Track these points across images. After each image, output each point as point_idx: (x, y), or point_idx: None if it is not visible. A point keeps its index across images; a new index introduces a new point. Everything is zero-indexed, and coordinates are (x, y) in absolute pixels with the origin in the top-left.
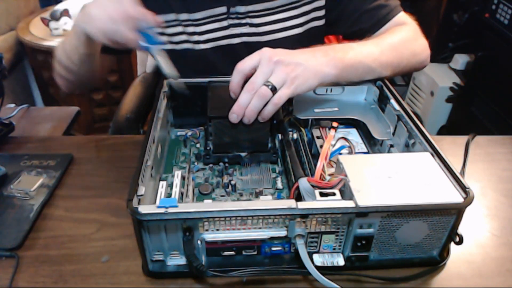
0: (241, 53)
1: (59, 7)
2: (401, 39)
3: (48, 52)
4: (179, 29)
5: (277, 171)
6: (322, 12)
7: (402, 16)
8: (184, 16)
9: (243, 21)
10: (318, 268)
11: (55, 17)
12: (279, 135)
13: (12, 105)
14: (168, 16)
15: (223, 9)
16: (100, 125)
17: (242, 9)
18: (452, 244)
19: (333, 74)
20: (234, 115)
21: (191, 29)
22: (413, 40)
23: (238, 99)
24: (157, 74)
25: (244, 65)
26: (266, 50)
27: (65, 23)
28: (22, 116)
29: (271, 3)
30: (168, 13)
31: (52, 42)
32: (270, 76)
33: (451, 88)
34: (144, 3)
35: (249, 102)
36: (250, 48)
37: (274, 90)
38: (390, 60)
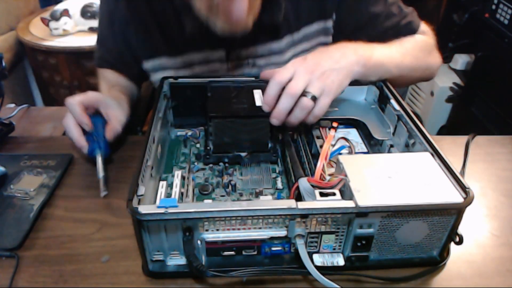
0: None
1: (59, 7)
2: (420, 49)
3: (48, 52)
4: (170, 72)
5: (277, 171)
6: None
7: (422, 26)
8: (178, 60)
9: (245, 61)
10: (318, 268)
11: (55, 17)
12: (279, 135)
13: (12, 105)
14: (160, 60)
15: (221, 52)
16: None
17: (243, 52)
18: (452, 244)
19: (361, 72)
20: (274, 120)
21: (185, 71)
22: (429, 52)
23: (278, 104)
24: None
25: (282, 77)
26: (298, 63)
27: (65, 23)
28: (22, 116)
29: (277, 44)
30: (159, 57)
31: (52, 42)
32: (308, 86)
33: (451, 88)
34: (135, 49)
35: (289, 107)
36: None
37: (314, 99)
38: (408, 67)
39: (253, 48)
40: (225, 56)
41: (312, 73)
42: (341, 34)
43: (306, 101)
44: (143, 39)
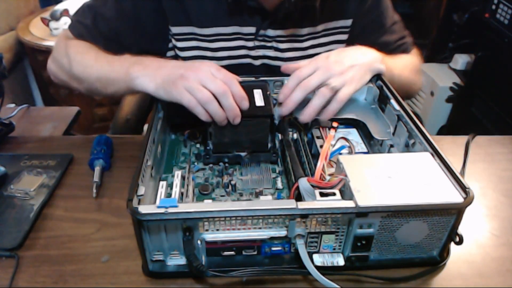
0: (259, 75)
1: (59, 7)
2: (413, 67)
3: (48, 52)
4: (193, 43)
5: (277, 171)
6: (342, 45)
7: (413, 50)
8: (206, 31)
9: (269, 44)
10: (318, 268)
11: (55, 17)
12: (279, 135)
13: (12, 105)
14: (185, 28)
15: (252, 29)
16: (100, 125)
17: (271, 32)
18: (452, 244)
19: (382, 70)
20: (284, 109)
21: (211, 44)
22: (417, 72)
23: (291, 95)
24: None
25: (302, 72)
26: (321, 60)
27: (65, 23)
28: (22, 116)
29: (300, 30)
30: (185, 26)
31: (52, 42)
32: (328, 80)
33: (451, 88)
34: (164, 15)
35: (300, 98)
36: (271, 71)
37: (334, 90)
38: (404, 79)
39: (279, 30)
40: (254, 34)
41: (332, 70)
42: (349, 35)
43: (324, 90)
44: (176, 4)
